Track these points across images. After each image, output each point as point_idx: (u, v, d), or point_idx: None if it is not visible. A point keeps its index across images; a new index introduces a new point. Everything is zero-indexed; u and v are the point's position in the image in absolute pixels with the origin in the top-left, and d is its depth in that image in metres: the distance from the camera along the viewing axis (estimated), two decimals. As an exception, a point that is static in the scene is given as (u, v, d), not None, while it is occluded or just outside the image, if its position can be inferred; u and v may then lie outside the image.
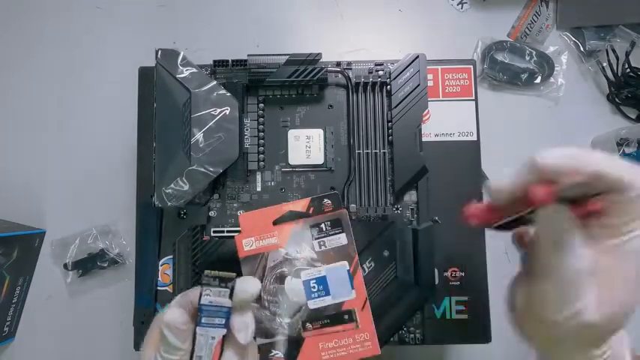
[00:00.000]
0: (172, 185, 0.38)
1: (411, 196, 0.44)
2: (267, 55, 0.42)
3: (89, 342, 0.53)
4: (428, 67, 0.44)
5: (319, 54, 0.42)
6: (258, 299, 0.38)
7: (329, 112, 0.45)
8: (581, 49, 0.56)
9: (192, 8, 0.58)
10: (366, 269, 0.40)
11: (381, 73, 0.43)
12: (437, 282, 0.42)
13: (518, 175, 0.24)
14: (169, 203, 0.38)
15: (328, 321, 0.38)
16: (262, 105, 0.44)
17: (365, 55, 0.56)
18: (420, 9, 0.58)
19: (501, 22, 0.58)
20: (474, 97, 0.45)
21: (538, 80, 0.55)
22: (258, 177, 0.44)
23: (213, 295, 0.31)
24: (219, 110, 0.39)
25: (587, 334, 0.24)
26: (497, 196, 0.26)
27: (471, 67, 0.46)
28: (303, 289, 0.38)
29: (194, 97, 0.39)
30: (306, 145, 0.44)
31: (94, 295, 0.53)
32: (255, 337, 0.38)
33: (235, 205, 0.44)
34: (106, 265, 0.53)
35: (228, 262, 0.38)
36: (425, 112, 0.43)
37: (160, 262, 0.42)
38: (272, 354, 0.38)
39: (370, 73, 0.44)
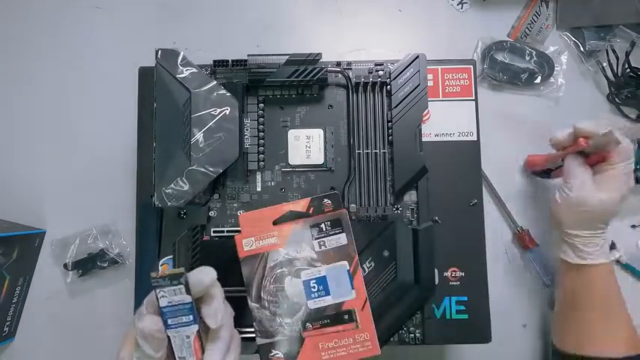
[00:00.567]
0: (172, 185, 0.38)
1: (411, 196, 0.44)
2: (267, 55, 0.42)
3: (89, 342, 0.53)
4: (428, 67, 0.44)
5: (319, 54, 0.42)
6: (258, 300, 0.38)
7: (329, 112, 0.45)
8: (581, 49, 0.56)
9: (192, 8, 0.58)
10: (366, 269, 0.40)
11: (381, 73, 0.44)
12: (437, 282, 0.42)
13: (566, 134, 0.43)
14: (169, 203, 0.38)
15: (328, 321, 0.38)
16: (262, 105, 0.44)
17: (365, 55, 0.56)
18: (420, 9, 0.58)
19: (501, 22, 0.58)
20: (473, 97, 0.45)
21: (538, 80, 0.55)
22: (258, 177, 0.44)
23: (169, 296, 0.31)
24: (219, 110, 0.39)
25: (599, 212, 0.42)
26: (556, 144, 0.44)
27: (471, 67, 0.46)
28: (303, 289, 0.38)
29: (194, 97, 0.39)
30: (306, 145, 0.44)
31: (94, 295, 0.53)
32: (254, 335, 0.38)
33: (235, 205, 0.44)
34: (106, 265, 0.53)
35: (228, 262, 0.38)
36: (425, 112, 0.43)
37: (160, 262, 0.42)
38: (272, 354, 0.38)
39: (370, 73, 0.44)
